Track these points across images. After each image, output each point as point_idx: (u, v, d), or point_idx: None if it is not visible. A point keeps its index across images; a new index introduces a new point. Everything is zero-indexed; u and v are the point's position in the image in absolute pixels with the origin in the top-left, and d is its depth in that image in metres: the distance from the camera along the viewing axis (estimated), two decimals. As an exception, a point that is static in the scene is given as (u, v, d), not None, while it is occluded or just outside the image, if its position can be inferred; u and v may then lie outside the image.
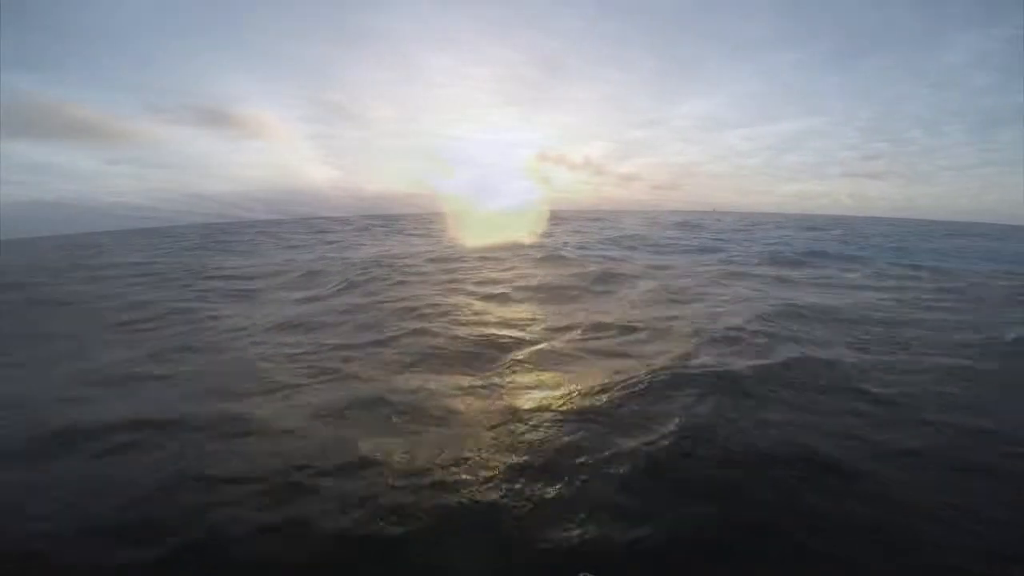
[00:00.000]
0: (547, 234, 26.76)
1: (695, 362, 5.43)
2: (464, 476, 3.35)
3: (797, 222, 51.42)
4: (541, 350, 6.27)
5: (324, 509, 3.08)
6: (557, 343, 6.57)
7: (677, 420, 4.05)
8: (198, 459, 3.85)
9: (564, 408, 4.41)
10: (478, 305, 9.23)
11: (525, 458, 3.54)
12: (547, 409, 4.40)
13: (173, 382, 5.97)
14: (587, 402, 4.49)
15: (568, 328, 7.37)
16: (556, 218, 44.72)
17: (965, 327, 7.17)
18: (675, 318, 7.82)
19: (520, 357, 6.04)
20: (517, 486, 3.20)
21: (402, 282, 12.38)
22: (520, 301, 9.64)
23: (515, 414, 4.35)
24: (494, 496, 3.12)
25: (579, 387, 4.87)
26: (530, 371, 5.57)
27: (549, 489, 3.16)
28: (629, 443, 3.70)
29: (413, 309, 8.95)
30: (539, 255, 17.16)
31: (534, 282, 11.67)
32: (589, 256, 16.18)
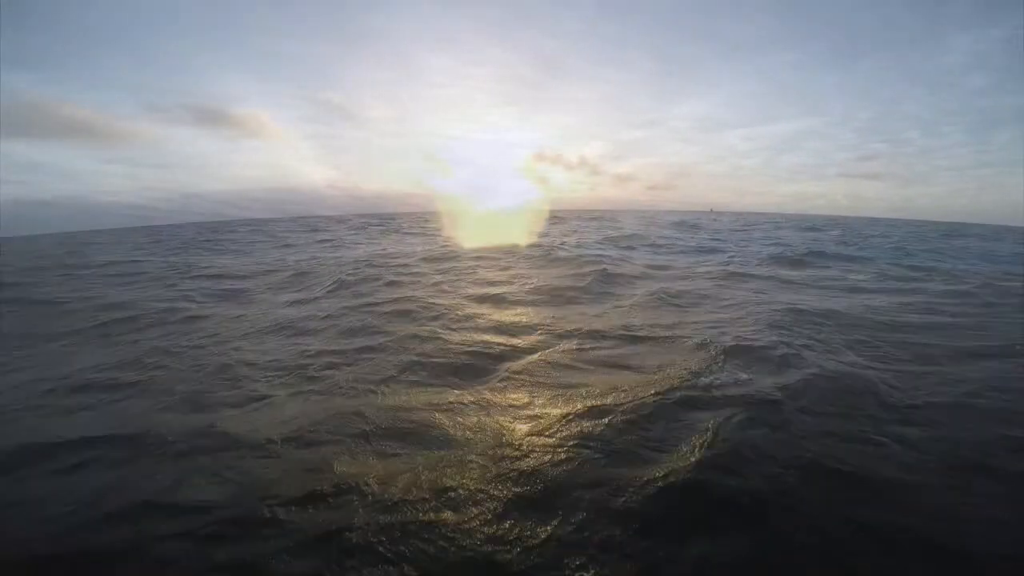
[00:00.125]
0: (544, 234, 26.46)
1: (705, 380, 4.96)
2: (445, 511, 2.95)
3: (794, 222, 51.39)
4: (536, 361, 5.84)
5: (280, 547, 2.70)
6: (554, 353, 6.15)
7: (690, 445, 3.62)
8: (151, 482, 3.48)
9: (562, 431, 3.97)
10: (471, 308, 8.86)
11: (517, 490, 3.14)
12: (543, 432, 3.96)
13: (144, 390, 5.62)
14: (588, 424, 4.04)
15: (566, 335, 6.96)
16: (553, 218, 44.47)
17: (980, 332, 6.88)
18: (679, 325, 7.44)
19: (514, 369, 5.61)
20: (507, 524, 2.81)
21: (395, 283, 12.01)
22: (515, 304, 9.26)
23: (507, 437, 3.93)
24: (480, 536, 2.73)
25: (578, 406, 4.43)
26: (524, 386, 5.14)
27: (543, 528, 2.76)
28: (635, 473, 3.28)
29: (404, 312, 8.58)
30: (536, 255, 16.85)
31: (530, 284, 11.32)
32: (587, 256, 15.85)
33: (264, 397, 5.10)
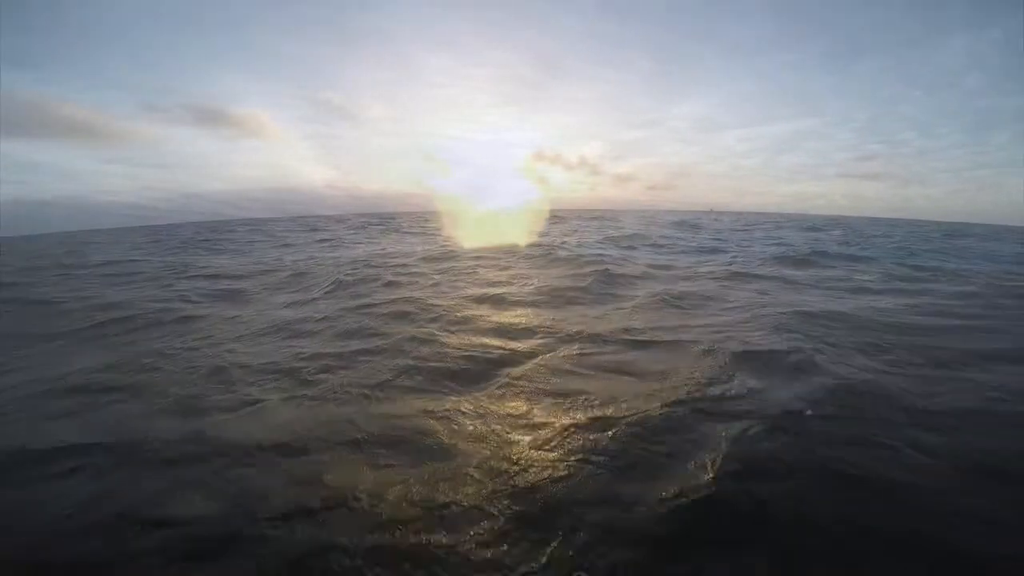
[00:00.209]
0: (544, 233, 26.30)
1: (715, 388, 4.71)
2: (439, 530, 2.77)
3: (795, 222, 51.25)
4: (536, 366, 5.65)
5: (261, 568, 2.55)
6: (555, 358, 5.95)
7: (703, 459, 3.39)
8: (136, 493, 3.34)
9: (564, 443, 3.76)
10: (471, 310, 8.69)
11: (515, 508, 2.95)
12: (543, 444, 3.76)
13: (137, 394, 5.49)
14: (591, 436, 3.82)
15: (567, 339, 6.76)
16: (553, 217, 44.32)
17: (991, 334, 6.72)
18: (684, 328, 7.23)
19: (513, 374, 5.41)
20: (504, 546, 2.64)
21: (393, 283, 11.85)
22: (515, 305, 9.09)
23: (505, 449, 3.72)
24: (475, 559, 2.56)
25: (581, 416, 4.21)
26: (523, 393, 4.92)
27: (544, 550, 2.58)
28: (644, 489, 3.07)
29: (402, 314, 8.42)
30: (536, 255, 16.70)
31: (531, 284, 11.16)
32: (588, 256, 15.69)
33: (256, 401, 4.95)
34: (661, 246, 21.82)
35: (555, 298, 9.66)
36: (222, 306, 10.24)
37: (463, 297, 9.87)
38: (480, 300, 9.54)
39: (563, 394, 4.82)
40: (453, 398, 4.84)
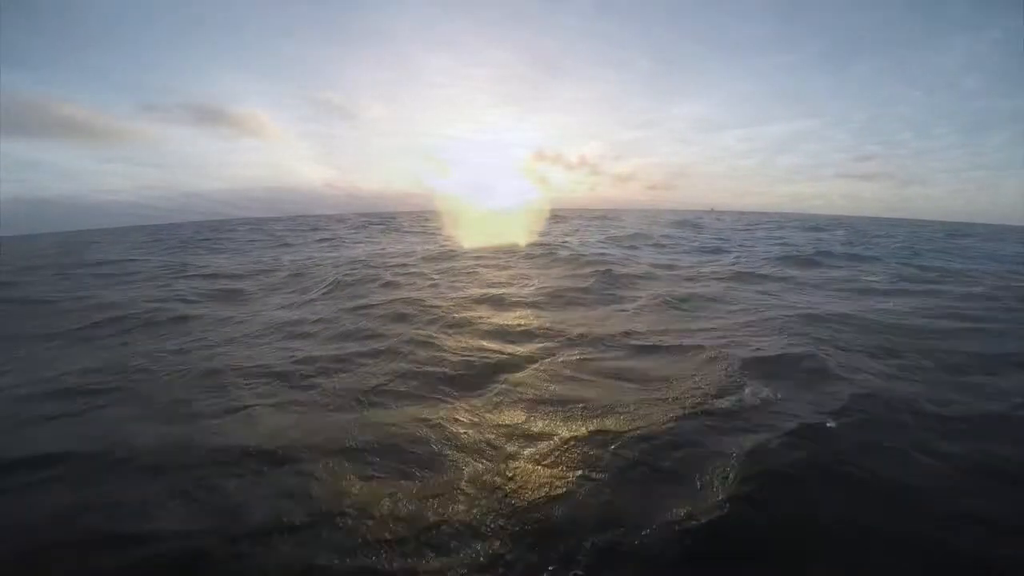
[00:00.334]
0: (545, 233, 26.07)
1: (725, 398, 4.39)
2: (427, 552, 2.59)
3: (796, 222, 50.95)
4: (536, 372, 5.43)
5: None
6: (555, 363, 5.72)
7: (714, 477, 3.13)
8: (111, 507, 3.17)
9: (564, 458, 3.52)
10: (470, 311, 8.50)
11: (510, 528, 2.75)
12: (541, 458, 3.52)
13: (124, 398, 5.33)
14: (593, 451, 3.58)
15: (568, 343, 6.56)
16: (554, 217, 44.13)
17: (1006, 338, 6.52)
18: (691, 332, 7.00)
19: (511, 381, 5.20)
20: (499, 572, 2.44)
21: (392, 284, 11.66)
22: (515, 307, 8.89)
23: (501, 464, 3.48)
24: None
25: (582, 428, 3.95)
26: (521, 401, 4.67)
27: None
28: (650, 510, 2.83)
29: (400, 316, 8.24)
30: (537, 255, 16.52)
31: (532, 285, 10.98)
32: (590, 256, 15.48)
33: (245, 407, 4.77)
34: (663, 246, 21.62)
35: (556, 299, 9.47)
36: (218, 306, 10.07)
37: (462, 298, 9.68)
38: (480, 301, 9.36)
39: (563, 403, 4.60)
40: (448, 405, 4.65)
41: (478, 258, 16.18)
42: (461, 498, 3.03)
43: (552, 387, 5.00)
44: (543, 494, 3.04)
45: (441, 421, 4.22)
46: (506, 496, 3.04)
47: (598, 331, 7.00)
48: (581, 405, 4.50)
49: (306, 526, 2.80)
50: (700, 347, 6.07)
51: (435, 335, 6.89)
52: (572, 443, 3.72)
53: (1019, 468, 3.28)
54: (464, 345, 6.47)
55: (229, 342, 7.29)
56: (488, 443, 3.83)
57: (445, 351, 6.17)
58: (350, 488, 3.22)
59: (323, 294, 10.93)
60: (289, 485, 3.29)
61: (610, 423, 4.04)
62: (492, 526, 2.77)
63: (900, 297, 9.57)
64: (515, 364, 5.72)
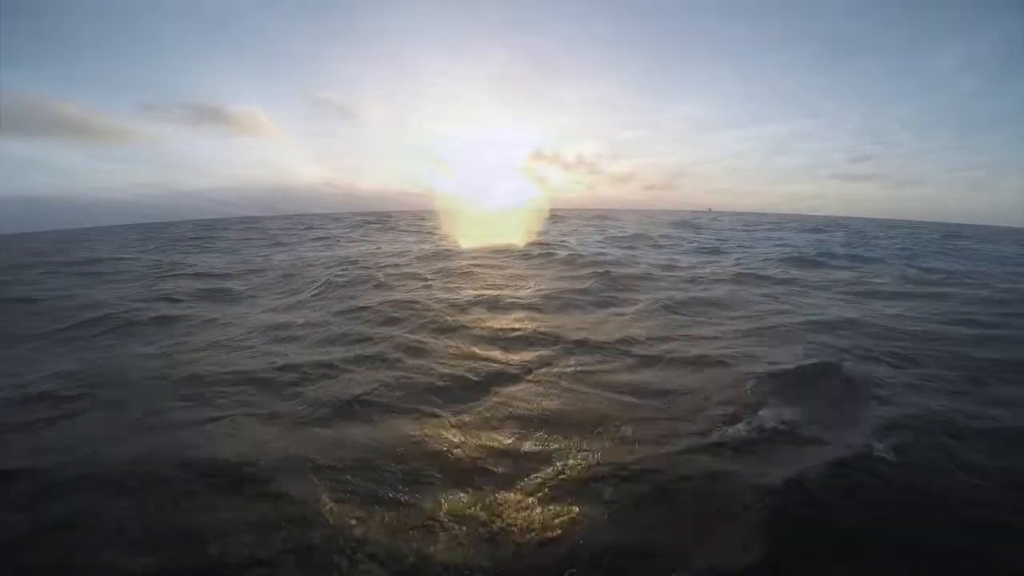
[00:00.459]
0: (543, 232, 25.74)
1: (742, 425, 3.88)
2: None
3: (794, 222, 50.79)
4: (534, 384, 5.06)
5: None
6: (552, 375, 5.36)
7: (737, 522, 2.65)
8: (66, 532, 2.90)
9: (558, 492, 3.07)
10: (464, 315, 8.16)
11: (506, 566, 2.42)
12: (534, 492, 3.10)
13: (97, 406, 5.05)
14: (591, 484, 3.12)
15: (566, 351, 6.20)
16: (553, 217, 43.80)
17: (1019, 345, 6.26)
18: (697, 340, 6.65)
19: (503, 395, 4.83)
20: None
21: (385, 285, 11.31)
22: (512, 310, 8.55)
23: (487, 495, 3.08)
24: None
25: (580, 455, 3.52)
26: (513, 420, 4.24)
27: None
28: (659, 563, 2.40)
29: (390, 319, 7.91)
30: (535, 255, 16.19)
31: (529, 287, 10.65)
32: (589, 257, 15.17)
33: (220, 418, 4.48)
34: (662, 246, 21.34)
35: (553, 301, 9.12)
36: (204, 307, 9.73)
37: (457, 300, 9.33)
38: (474, 303, 9.00)
39: (559, 423, 4.17)
40: (434, 420, 4.30)
41: (475, 258, 15.85)
42: (440, 533, 2.66)
43: (547, 404, 4.62)
44: (534, 536, 2.64)
45: (425, 438, 3.89)
46: (490, 536, 2.65)
47: (597, 337, 6.68)
48: (578, 427, 4.10)
49: (276, 556, 2.49)
50: (705, 356, 5.74)
51: (425, 340, 6.57)
52: (568, 473, 3.32)
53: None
54: (455, 352, 6.15)
55: (211, 346, 6.97)
56: (475, 468, 3.45)
57: (434, 358, 5.85)
58: (319, 516, 2.91)
59: (313, 296, 10.58)
60: (254, 511, 2.98)
61: (611, 450, 3.62)
62: (472, 569, 2.40)
63: (908, 300, 9.30)
64: (508, 375, 5.38)
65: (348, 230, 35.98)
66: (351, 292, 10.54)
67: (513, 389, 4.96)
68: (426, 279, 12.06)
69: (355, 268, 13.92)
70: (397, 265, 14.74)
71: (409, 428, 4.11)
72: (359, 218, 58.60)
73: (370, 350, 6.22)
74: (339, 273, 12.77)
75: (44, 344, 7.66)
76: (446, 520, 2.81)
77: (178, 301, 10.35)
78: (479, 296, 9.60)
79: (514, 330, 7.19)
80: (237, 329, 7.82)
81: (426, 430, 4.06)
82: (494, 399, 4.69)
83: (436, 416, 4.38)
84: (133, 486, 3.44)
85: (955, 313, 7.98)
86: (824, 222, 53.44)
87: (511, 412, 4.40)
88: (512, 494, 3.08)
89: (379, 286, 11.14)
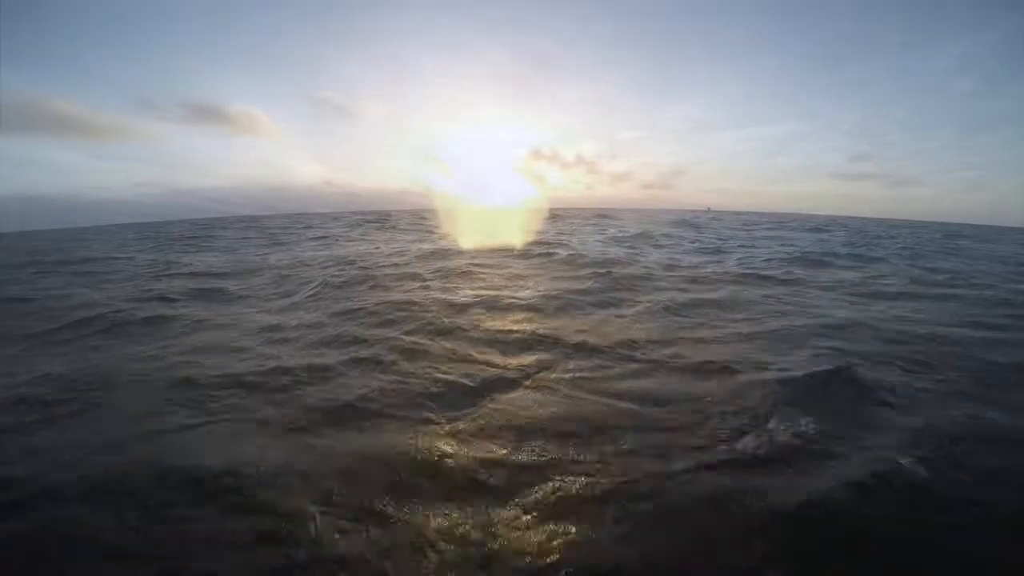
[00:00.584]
0: (543, 232, 25.58)
1: (752, 439, 3.64)
2: None
3: (794, 222, 50.65)
4: (533, 390, 4.87)
5: None
6: (554, 379, 5.16)
7: (752, 538, 2.47)
8: (32, 540, 2.77)
9: (563, 508, 2.86)
10: (462, 316, 7.99)
11: None
12: (535, 508, 2.90)
13: (83, 411, 4.92)
14: (593, 508, 2.87)
15: (566, 355, 6.00)
16: (552, 215, 43.66)
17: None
18: (701, 343, 6.44)
19: (504, 400, 4.65)
20: None
21: (383, 285, 11.15)
22: (511, 311, 8.38)
23: (479, 515, 2.86)
24: None
25: (587, 468, 3.30)
26: (515, 429, 4.03)
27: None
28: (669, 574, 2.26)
29: (386, 321, 7.73)
30: (535, 254, 16.03)
31: (528, 287, 10.48)
32: (589, 256, 15.00)
33: (206, 424, 4.33)
34: (663, 245, 21.18)
35: (553, 302, 8.94)
36: (198, 308, 9.56)
37: (455, 301, 9.16)
38: (473, 304, 8.83)
39: (559, 433, 3.96)
40: (428, 428, 4.12)
41: (474, 258, 15.69)
42: (430, 558, 2.47)
43: (546, 412, 4.42)
44: (530, 560, 2.45)
45: (418, 448, 3.72)
46: (485, 560, 2.45)
47: (598, 340, 6.49)
48: (577, 437, 3.90)
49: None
50: (710, 362, 5.54)
51: (422, 342, 6.39)
52: (568, 488, 3.13)
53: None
54: (452, 355, 5.97)
55: (202, 347, 6.81)
56: (468, 481, 3.27)
57: (431, 361, 5.67)
58: (305, 530, 2.75)
59: (308, 297, 10.41)
60: (237, 524, 2.82)
61: (612, 464, 3.41)
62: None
63: (914, 301, 9.14)
64: (506, 380, 5.20)
65: (347, 229, 35.80)
66: (348, 292, 10.38)
67: (510, 395, 4.79)
68: (424, 279, 11.89)
69: (353, 268, 13.75)
70: (395, 265, 14.57)
71: (402, 437, 3.94)
72: (358, 217, 58.46)
73: (365, 352, 6.05)
74: (336, 273, 12.61)
75: (32, 345, 7.52)
76: (436, 539, 2.64)
77: (172, 300, 10.20)
78: (478, 297, 9.42)
79: (513, 331, 7.01)
80: (230, 330, 7.66)
81: (419, 439, 3.88)
82: (491, 405, 4.52)
83: (430, 423, 4.20)
84: (111, 495, 3.30)
85: (964, 315, 7.81)
86: (824, 221, 53.34)
87: (508, 421, 4.21)
88: (507, 510, 2.89)
89: (376, 286, 10.97)
